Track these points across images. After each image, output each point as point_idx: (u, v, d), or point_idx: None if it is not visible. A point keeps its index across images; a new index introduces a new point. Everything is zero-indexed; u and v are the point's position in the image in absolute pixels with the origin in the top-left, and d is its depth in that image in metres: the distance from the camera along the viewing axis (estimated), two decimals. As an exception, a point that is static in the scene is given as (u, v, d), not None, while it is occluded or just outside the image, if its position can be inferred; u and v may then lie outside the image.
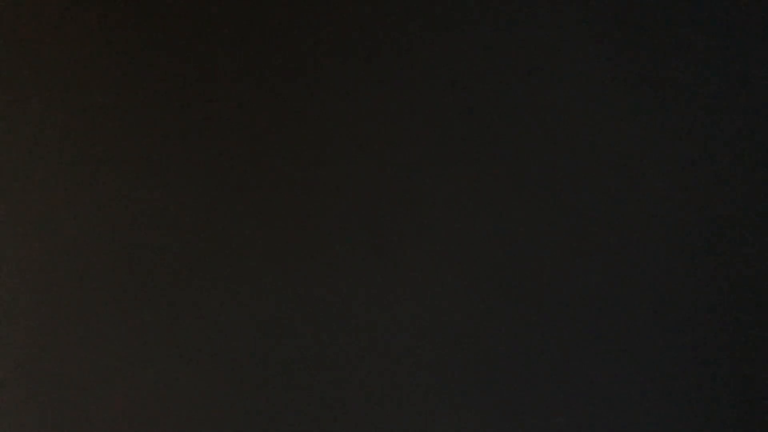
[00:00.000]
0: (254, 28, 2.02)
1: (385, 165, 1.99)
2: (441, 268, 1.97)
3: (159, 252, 1.98)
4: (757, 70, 1.99)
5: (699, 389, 1.94)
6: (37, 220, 1.99)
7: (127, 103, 2.01)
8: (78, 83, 2.01)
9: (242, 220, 1.99)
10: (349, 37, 2.01)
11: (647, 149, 1.99)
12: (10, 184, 1.99)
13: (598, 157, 1.99)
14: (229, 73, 2.01)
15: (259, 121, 2.01)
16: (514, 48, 2.01)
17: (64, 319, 1.97)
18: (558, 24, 2.01)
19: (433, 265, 1.97)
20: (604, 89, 2.00)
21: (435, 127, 2.00)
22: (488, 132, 2.00)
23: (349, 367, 1.96)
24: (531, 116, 2.00)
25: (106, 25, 2.02)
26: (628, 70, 2.00)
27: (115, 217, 1.99)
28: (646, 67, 2.00)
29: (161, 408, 1.95)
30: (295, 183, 1.99)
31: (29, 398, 1.95)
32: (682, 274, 1.96)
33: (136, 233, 1.98)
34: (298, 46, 2.02)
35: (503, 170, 1.99)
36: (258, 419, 1.95)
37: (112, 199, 1.99)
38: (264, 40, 2.02)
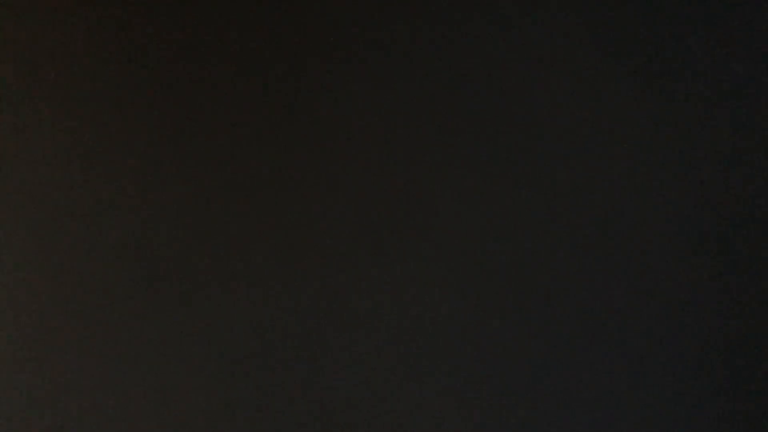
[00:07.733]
0: (255, 28, 2.02)
1: (386, 166, 2.00)
2: (441, 268, 1.97)
3: (159, 252, 1.98)
4: (757, 70, 1.99)
5: (699, 390, 1.94)
6: (38, 220, 1.99)
7: (128, 104, 2.02)
8: (78, 83, 2.02)
9: (243, 221, 1.99)
10: (350, 37, 2.02)
11: (648, 149, 1.99)
12: (10, 183, 2.00)
13: (598, 158, 1.99)
14: (231, 73, 2.02)
15: (260, 121, 2.01)
16: (514, 48, 2.01)
17: (64, 320, 1.97)
18: (558, 24, 2.01)
19: (434, 266, 1.97)
20: (604, 89, 2.00)
21: (435, 127, 2.00)
22: (489, 132, 2.00)
23: (348, 367, 1.96)
24: (532, 116, 2.00)
25: (106, 25, 2.03)
26: (630, 70, 2.00)
27: (116, 218, 1.99)
28: (646, 66, 2.00)
29: (161, 408, 1.96)
30: (295, 184, 2.00)
31: (29, 398, 1.96)
32: (682, 274, 1.96)
33: (136, 234, 1.99)
34: (298, 46, 2.02)
35: (504, 171, 1.99)
36: (258, 419, 1.95)
37: (112, 200, 2.00)
38: (265, 40, 2.02)
